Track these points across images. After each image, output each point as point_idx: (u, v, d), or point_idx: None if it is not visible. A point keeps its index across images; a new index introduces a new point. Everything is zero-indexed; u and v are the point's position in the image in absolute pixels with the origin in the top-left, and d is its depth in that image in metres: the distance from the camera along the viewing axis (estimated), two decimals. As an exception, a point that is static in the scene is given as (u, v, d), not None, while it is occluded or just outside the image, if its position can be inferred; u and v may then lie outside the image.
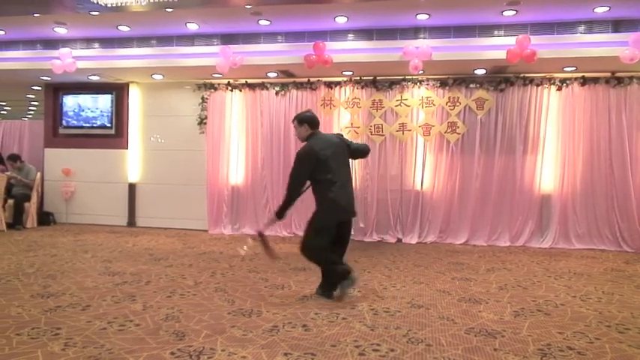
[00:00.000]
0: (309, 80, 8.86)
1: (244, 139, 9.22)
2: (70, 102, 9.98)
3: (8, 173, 9.66)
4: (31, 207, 9.61)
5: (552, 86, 8.22)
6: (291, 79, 8.91)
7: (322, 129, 8.67)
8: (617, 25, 6.96)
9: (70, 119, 9.99)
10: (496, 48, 7.18)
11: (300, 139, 4.92)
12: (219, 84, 9.25)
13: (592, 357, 3.50)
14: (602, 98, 8.11)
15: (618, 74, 8.03)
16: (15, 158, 9.75)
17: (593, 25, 7.04)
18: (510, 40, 7.08)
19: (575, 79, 8.15)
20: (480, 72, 8.17)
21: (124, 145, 9.88)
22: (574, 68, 7.83)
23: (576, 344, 3.74)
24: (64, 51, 8.31)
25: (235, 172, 9.29)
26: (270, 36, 7.88)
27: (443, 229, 8.57)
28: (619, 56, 6.84)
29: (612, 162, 8.11)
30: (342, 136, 4.93)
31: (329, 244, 4.73)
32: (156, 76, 9.14)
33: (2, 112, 15.11)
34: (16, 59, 8.67)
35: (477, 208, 8.41)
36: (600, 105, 8.12)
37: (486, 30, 7.28)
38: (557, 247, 8.14)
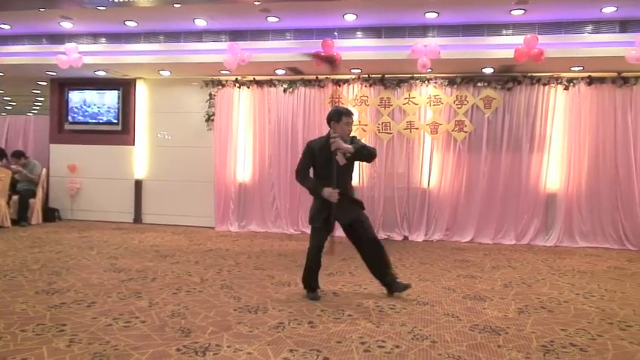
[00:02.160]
0: (317, 78, 8.90)
1: (252, 136, 9.25)
2: (76, 98, 10.00)
3: (14, 167, 9.60)
4: (36, 203, 9.60)
5: (559, 86, 8.26)
6: (299, 77, 8.95)
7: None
8: (625, 25, 7.01)
9: (75, 115, 10.03)
10: (504, 47, 7.23)
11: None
12: (226, 81, 9.28)
13: (594, 354, 3.57)
14: (608, 98, 8.16)
15: (624, 74, 8.07)
16: (19, 155, 9.76)
17: (600, 25, 7.08)
18: (518, 40, 7.13)
19: (582, 78, 8.19)
20: (488, 71, 8.21)
21: (131, 142, 9.91)
22: (581, 68, 7.86)
23: (579, 341, 3.81)
24: (70, 46, 8.31)
25: (242, 169, 9.33)
26: (279, 33, 7.93)
27: (449, 227, 8.63)
28: (625, 56, 6.89)
29: (617, 162, 8.17)
30: (355, 138, 4.79)
31: (319, 246, 4.70)
32: (163, 73, 9.16)
33: (7, 107, 15.08)
34: (22, 54, 8.68)
35: (483, 207, 8.47)
36: (606, 105, 8.16)
37: (495, 29, 7.34)
38: (561, 245, 8.21)
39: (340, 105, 5.04)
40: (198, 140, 9.52)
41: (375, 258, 4.87)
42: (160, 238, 8.20)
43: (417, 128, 8.65)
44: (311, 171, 4.82)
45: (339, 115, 4.66)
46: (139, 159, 9.94)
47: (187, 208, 9.66)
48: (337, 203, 4.64)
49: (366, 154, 4.62)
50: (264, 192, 9.23)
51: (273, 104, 9.13)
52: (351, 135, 4.75)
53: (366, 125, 8.75)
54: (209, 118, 9.40)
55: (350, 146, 4.55)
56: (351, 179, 4.86)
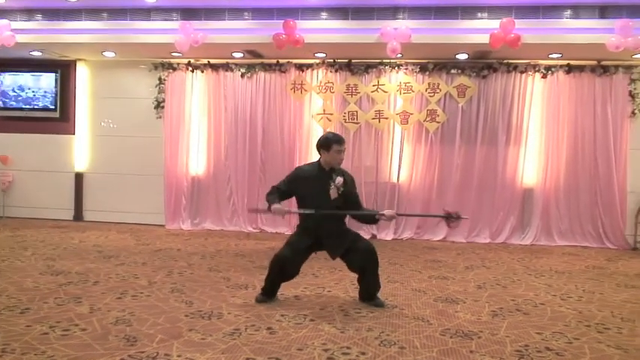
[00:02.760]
0: (278, 62, 8.88)
1: (206, 126, 9.21)
2: (8, 81, 9.79)
3: None
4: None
5: (537, 74, 8.45)
6: (259, 60, 8.91)
7: (291, 115, 8.81)
8: (604, 11, 7.19)
9: (7, 100, 9.82)
10: (479, 32, 7.34)
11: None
12: (178, 64, 9.20)
13: (570, 358, 3.67)
14: (588, 87, 8.38)
15: (604, 62, 8.28)
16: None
17: (579, 10, 7.24)
18: (494, 24, 7.24)
19: (561, 66, 8.38)
20: (462, 57, 8.31)
21: (71, 130, 9.77)
22: (559, 55, 8.04)
23: (555, 345, 3.91)
24: (1, 23, 8.12)
25: (196, 161, 9.29)
26: (236, 12, 7.87)
27: (420, 224, 8.75)
28: (605, 44, 7.06)
29: (596, 155, 8.40)
30: (345, 172, 4.91)
31: (290, 259, 4.75)
32: (107, 54, 9.05)
33: None
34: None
35: (457, 203, 8.46)
36: (585, 94, 8.38)
37: (469, 12, 7.43)
38: (538, 243, 8.41)
39: (330, 132, 5.09)
40: (147, 129, 9.43)
41: (372, 263, 4.86)
42: (103, 238, 8.13)
43: (386, 118, 8.71)
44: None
45: (327, 144, 4.70)
46: (80, 149, 9.79)
47: (134, 204, 9.57)
48: (326, 233, 4.73)
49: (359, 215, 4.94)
50: (220, 186, 9.19)
51: (229, 90, 9.09)
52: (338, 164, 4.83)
53: (331, 114, 8.77)
54: (158, 105, 9.31)
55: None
56: (345, 216, 4.90)
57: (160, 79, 9.30)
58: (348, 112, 8.77)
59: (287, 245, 4.80)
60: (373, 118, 8.72)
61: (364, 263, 4.78)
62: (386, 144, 8.77)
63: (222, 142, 9.17)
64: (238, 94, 9.07)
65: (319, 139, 4.82)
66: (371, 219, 4.97)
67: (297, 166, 4.89)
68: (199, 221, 9.27)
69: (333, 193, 4.70)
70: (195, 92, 9.25)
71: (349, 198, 4.80)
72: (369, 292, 4.91)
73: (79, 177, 9.80)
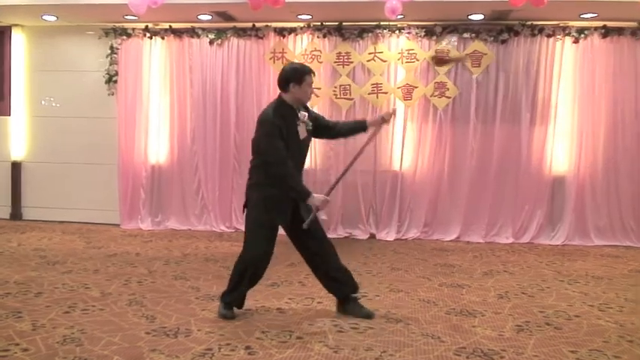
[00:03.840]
0: (254, 26, 8.83)
1: (168, 104, 9.15)
2: None
3: None
4: None
5: (567, 38, 8.39)
6: (231, 24, 8.87)
7: (271, 90, 8.77)
8: (650, -40, 7.15)
9: None
10: (497, -14, 7.29)
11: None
12: (133, 29, 9.13)
13: (612, 381, 3.65)
14: (628, 54, 8.34)
15: (648, 24, 8.28)
16: None
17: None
18: (515, -23, 7.17)
19: (595, 29, 8.32)
20: (477, 18, 8.27)
21: (5, 111, 9.71)
22: (594, 15, 7.99)
23: (593, 366, 3.90)
24: None
25: (156, 146, 9.25)
26: (203, -36, 7.85)
27: (428, 221, 8.71)
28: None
29: (641, 135, 8.39)
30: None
31: (269, 253, 4.80)
32: (47, 17, 8.98)
33: None
34: None
35: (472, 195, 8.55)
36: (625, 62, 8.34)
37: (485, -39, 7.39)
38: (571, 243, 8.36)
39: (295, 62, 5.05)
40: (97, 108, 9.37)
41: (332, 261, 4.92)
42: (46, 240, 8.13)
43: (385, 93, 8.67)
44: None
45: (299, 76, 4.70)
46: (17, 134, 9.74)
47: (83, 199, 9.53)
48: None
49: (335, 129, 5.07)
50: (186, 177, 9.14)
51: (196, 61, 9.03)
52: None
53: (319, 89, 8.66)
54: (110, 80, 9.23)
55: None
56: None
57: (111, 47, 9.19)
58: (340, 85, 8.72)
59: (259, 238, 4.70)
60: (370, 93, 8.68)
61: (324, 258, 4.90)
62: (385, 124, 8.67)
63: (188, 123, 9.11)
64: (206, 65, 9.00)
65: (285, 72, 4.76)
66: (362, 128, 5.21)
67: (263, 113, 4.72)
68: (162, 219, 9.25)
69: (302, 132, 4.74)
70: (155, 63, 9.17)
71: (319, 123, 4.91)
72: (347, 283, 4.95)
73: (15, 167, 9.74)
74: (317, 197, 4.59)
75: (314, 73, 4.83)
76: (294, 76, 4.68)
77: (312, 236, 4.79)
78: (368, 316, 4.84)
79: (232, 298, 4.83)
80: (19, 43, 9.67)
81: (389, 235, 8.67)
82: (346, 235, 8.73)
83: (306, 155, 4.93)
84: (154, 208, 9.28)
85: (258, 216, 4.68)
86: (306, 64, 8.44)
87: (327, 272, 4.92)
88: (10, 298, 5.24)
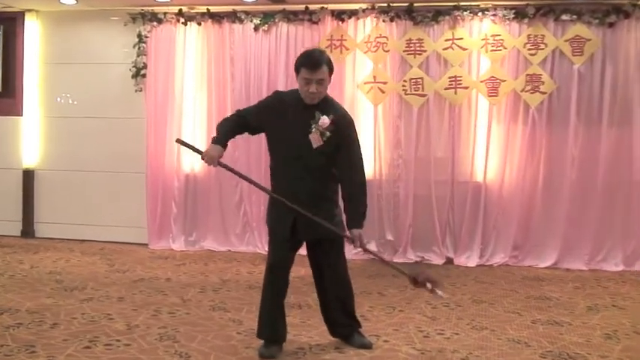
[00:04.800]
0: (307, 8, 8.83)
1: (205, 101, 9.19)
2: None
3: None
4: None
5: (692, 19, 8.27)
6: (280, 7, 8.88)
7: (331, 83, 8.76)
8: None
9: None
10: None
11: (319, 97, 4.83)
12: (165, 14, 9.19)
13: None
14: None
15: None
16: None
17: None
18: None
19: None
20: (579, -4, 8.20)
21: (16, 111, 9.85)
22: None
23: None
24: None
25: (191, 152, 9.11)
26: None
27: (518, 244, 8.60)
28: None
29: None
30: (335, 105, 4.95)
31: (281, 265, 4.94)
32: (65, 1, 9.08)
33: None
34: None
35: (573, 212, 8.42)
36: None
37: None
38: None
39: (317, 49, 5.14)
40: (122, 107, 9.46)
41: (336, 301, 5.05)
42: (63, 262, 8.20)
43: (465, 87, 8.57)
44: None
45: (296, 65, 4.77)
46: (29, 137, 9.86)
47: (105, 213, 9.60)
48: (301, 209, 4.74)
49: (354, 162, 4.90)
50: (226, 189, 9.13)
51: (238, 50, 9.05)
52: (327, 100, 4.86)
53: (384, 83, 8.68)
54: (138, 73, 9.29)
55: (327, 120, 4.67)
56: (330, 175, 4.90)
57: (139, 36, 9.25)
58: (410, 79, 8.64)
59: (269, 248, 5.03)
60: (446, 88, 8.58)
61: (330, 295, 5.05)
62: (465, 126, 8.64)
63: (229, 124, 9.06)
64: (251, 55, 9.01)
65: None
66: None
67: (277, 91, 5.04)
68: (197, 238, 9.27)
69: (315, 140, 4.66)
70: (190, 54, 9.22)
71: (341, 153, 4.81)
72: (344, 309, 5.09)
73: (27, 176, 9.86)
74: (209, 150, 4.84)
75: (316, 67, 4.68)
76: (295, 66, 4.78)
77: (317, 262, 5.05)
78: (365, 346, 5.01)
79: (264, 330, 4.89)
80: (32, 31, 9.80)
81: (470, 259, 8.56)
82: (418, 259, 8.63)
83: (325, 168, 4.85)
84: (187, 225, 9.30)
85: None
86: (370, 53, 8.65)
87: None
88: (22, 329, 5.30)
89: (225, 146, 4.83)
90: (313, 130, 4.66)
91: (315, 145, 4.68)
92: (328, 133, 4.67)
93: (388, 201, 8.61)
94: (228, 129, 4.88)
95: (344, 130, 4.77)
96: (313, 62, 4.65)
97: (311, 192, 4.72)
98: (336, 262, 4.97)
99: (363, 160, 4.93)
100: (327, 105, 4.79)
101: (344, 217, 4.87)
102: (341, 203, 4.91)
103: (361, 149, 4.91)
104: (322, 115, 4.67)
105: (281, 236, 4.85)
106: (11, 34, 9.78)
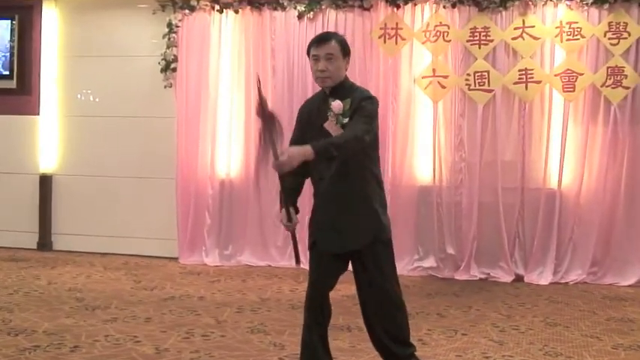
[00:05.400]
0: (358, -7, 8.87)
1: (243, 98, 9.19)
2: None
3: None
4: None
5: None
6: (327, -8, 8.93)
7: (380, 79, 8.81)
8: None
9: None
10: None
11: (332, 79, 4.71)
12: (198, 1, 9.21)
13: None
14: None
15: None
16: None
17: None
18: None
19: None
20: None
21: (32, 109, 9.95)
22: None
23: None
24: None
25: (227, 155, 9.30)
26: None
27: (598, 259, 8.50)
28: None
29: None
30: (358, 90, 4.81)
31: (323, 286, 4.79)
32: (88, -13, 9.20)
33: None
34: None
35: None
36: None
37: None
38: None
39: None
40: (150, 105, 9.51)
41: (384, 330, 4.78)
42: (83, 277, 8.26)
43: (537, 82, 8.50)
44: None
45: (307, 50, 4.73)
46: (46, 138, 9.92)
47: (131, 224, 9.65)
48: (332, 212, 4.66)
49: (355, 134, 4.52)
50: (266, 196, 9.02)
51: (280, 41, 9.07)
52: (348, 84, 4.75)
53: (445, 77, 8.65)
54: (168, 67, 9.31)
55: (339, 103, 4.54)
56: (359, 170, 4.69)
57: (169, 25, 9.28)
58: (475, 72, 8.59)
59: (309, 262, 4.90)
60: (516, 83, 8.52)
61: (375, 315, 4.77)
62: (537, 125, 8.58)
63: (270, 123, 9.04)
64: (294, 46, 9.00)
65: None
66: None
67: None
68: (233, 252, 9.28)
69: (332, 128, 4.54)
70: (226, 45, 9.24)
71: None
72: (395, 337, 4.77)
73: (45, 182, 9.92)
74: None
75: (323, 41, 4.63)
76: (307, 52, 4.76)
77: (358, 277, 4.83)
78: None
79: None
80: (50, 20, 9.87)
81: (542, 277, 8.46)
82: (483, 276, 8.54)
83: (339, 163, 4.64)
84: (222, 237, 9.31)
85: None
86: (429, 43, 8.64)
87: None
88: (40, 352, 5.32)
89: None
90: (330, 118, 4.56)
91: (333, 135, 4.58)
92: (345, 119, 4.53)
93: (449, 210, 8.56)
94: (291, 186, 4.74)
95: (357, 104, 4.61)
96: (320, 37, 4.67)
97: (336, 192, 4.60)
98: (378, 279, 4.73)
99: (366, 134, 4.53)
100: (346, 91, 4.66)
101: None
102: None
103: (371, 125, 4.61)
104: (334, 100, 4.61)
105: (319, 253, 4.77)
106: (27, 25, 9.88)
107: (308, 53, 4.66)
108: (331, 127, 4.53)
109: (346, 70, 4.74)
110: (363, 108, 4.53)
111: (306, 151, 4.21)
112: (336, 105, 4.52)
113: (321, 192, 4.67)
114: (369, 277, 4.67)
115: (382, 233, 4.64)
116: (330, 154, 4.33)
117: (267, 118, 4.40)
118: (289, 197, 4.67)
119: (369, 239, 4.60)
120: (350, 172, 4.61)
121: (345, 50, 4.70)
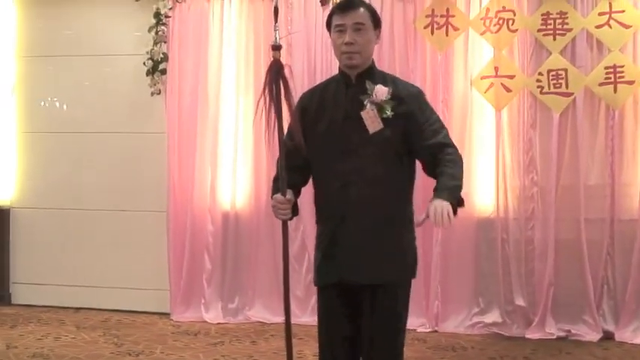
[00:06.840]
0: (394, -25, 8.93)
1: (251, 108, 9.08)
2: None
3: None
4: None
5: None
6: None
7: (427, 78, 8.91)
8: None
9: None
10: None
11: (361, 55, 4.64)
12: None
13: None
14: None
15: None
16: None
17: None
18: None
19: None
20: None
21: None
22: None
23: None
24: None
25: (231, 182, 9.32)
26: None
27: None
28: None
29: None
30: (395, 80, 4.76)
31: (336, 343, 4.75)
32: (55, -29, 9.28)
33: None
34: None
35: None
36: None
37: None
38: None
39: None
40: (132, 117, 9.61)
41: None
42: (51, 339, 8.32)
43: (629, 82, 8.45)
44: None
45: (327, 21, 4.71)
46: (0, 162, 9.98)
47: (110, 271, 9.66)
48: (348, 233, 4.59)
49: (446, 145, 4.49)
50: (280, 232, 8.98)
51: (298, 34, 9.06)
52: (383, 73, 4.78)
53: (510, 77, 8.66)
54: (156, 68, 9.36)
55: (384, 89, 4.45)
56: (402, 179, 4.66)
57: (157, 15, 9.33)
58: (548, 71, 8.59)
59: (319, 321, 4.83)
60: (602, 84, 8.49)
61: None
62: (631, 138, 8.58)
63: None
64: (316, 39, 9.06)
65: None
66: None
67: None
68: (240, 305, 9.31)
69: (371, 120, 4.41)
70: (230, 40, 9.30)
71: (412, 134, 4.48)
72: None
73: (1, 216, 9.94)
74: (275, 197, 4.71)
75: (349, 7, 4.55)
76: (326, 24, 4.73)
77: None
78: None
79: None
80: (6, 14, 9.95)
81: (638, 334, 8.38)
82: (562, 334, 8.50)
83: (389, 167, 4.53)
84: (227, 286, 9.33)
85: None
86: (489, 34, 8.68)
87: None
88: None
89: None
90: (367, 106, 4.43)
91: (371, 130, 4.43)
92: (389, 111, 4.43)
93: (518, 249, 8.54)
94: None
95: (412, 101, 4.53)
96: (346, 2, 4.56)
97: (369, 204, 4.50)
98: (381, 328, 4.58)
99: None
100: (377, 79, 4.57)
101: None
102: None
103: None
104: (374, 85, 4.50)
105: (326, 294, 4.78)
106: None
107: (328, 26, 4.64)
108: (370, 117, 4.42)
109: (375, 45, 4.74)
110: (431, 112, 4.55)
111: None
112: (380, 90, 4.42)
113: (343, 201, 4.56)
114: (370, 322, 4.58)
115: (412, 273, 4.64)
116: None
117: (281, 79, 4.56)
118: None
119: (396, 276, 4.55)
120: (391, 178, 4.52)
121: (376, 21, 4.64)
